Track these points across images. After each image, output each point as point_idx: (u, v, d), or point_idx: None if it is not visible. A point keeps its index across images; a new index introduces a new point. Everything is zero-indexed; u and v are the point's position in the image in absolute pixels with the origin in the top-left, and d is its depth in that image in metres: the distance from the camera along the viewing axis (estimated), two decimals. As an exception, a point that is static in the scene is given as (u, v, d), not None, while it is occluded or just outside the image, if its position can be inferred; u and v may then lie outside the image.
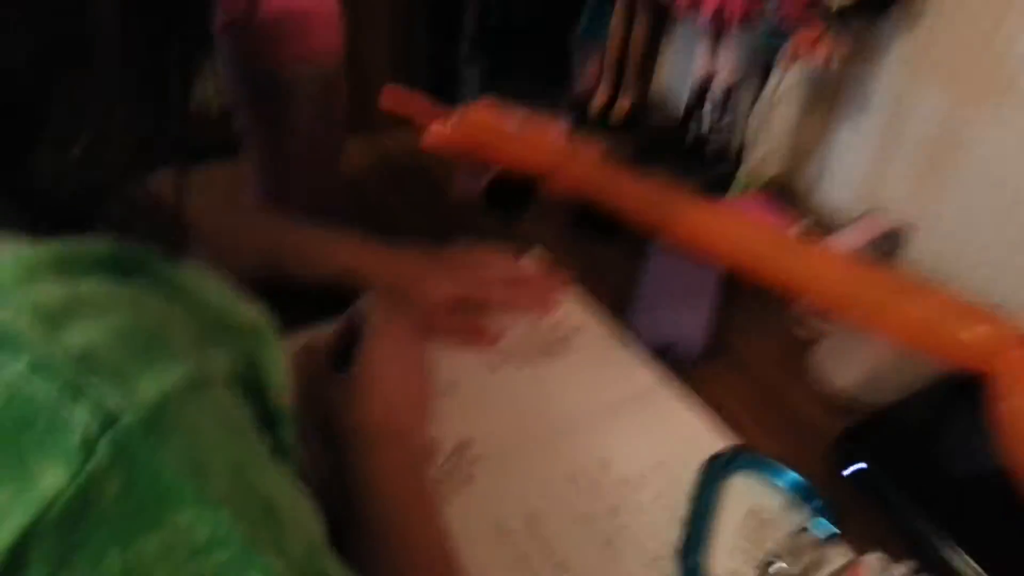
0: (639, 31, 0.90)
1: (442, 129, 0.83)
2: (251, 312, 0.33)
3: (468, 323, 0.61)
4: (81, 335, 0.25)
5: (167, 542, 0.24)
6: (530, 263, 0.71)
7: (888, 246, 0.70)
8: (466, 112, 0.82)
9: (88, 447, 0.24)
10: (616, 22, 0.90)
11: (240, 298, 0.33)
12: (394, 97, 0.85)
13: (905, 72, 0.76)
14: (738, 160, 0.82)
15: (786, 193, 0.86)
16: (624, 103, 0.94)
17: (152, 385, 0.25)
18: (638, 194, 0.73)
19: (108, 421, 0.24)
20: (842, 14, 0.70)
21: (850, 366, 0.64)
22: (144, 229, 0.38)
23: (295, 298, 0.60)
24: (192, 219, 0.42)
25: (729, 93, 0.86)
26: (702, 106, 0.88)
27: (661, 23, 0.98)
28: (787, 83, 0.76)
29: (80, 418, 0.24)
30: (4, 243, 0.28)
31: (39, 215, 0.29)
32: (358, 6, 1.65)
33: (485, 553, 0.48)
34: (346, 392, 0.50)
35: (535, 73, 1.55)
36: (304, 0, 0.61)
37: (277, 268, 0.61)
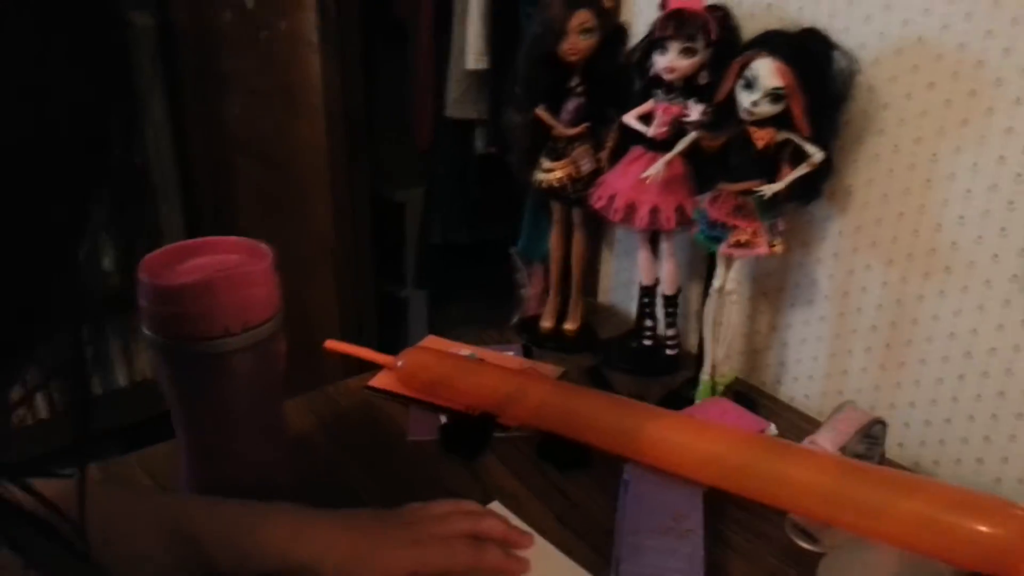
0: (578, 245, 0.90)
1: (389, 374, 0.80)
2: None
3: None
4: None
5: None
6: (499, 508, 0.65)
7: (870, 441, 0.66)
8: (410, 354, 0.79)
9: None
10: (555, 240, 0.91)
11: None
12: (337, 348, 0.83)
13: (847, 254, 0.76)
14: (698, 364, 0.79)
15: (752, 393, 0.83)
16: (574, 319, 0.92)
17: None
18: (598, 415, 0.70)
19: None
20: (773, 202, 0.70)
21: (862, 580, 0.58)
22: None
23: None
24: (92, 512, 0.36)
25: (676, 297, 0.85)
26: (652, 313, 0.87)
27: (598, 234, 1.00)
28: (732, 279, 0.75)
29: None
30: None
31: None
32: (303, 255, 1.68)
33: None
34: None
35: (480, 292, 1.57)
36: (237, 259, 0.59)
37: (198, 563, 0.52)
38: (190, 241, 0.59)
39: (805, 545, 0.63)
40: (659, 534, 0.59)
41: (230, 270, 0.56)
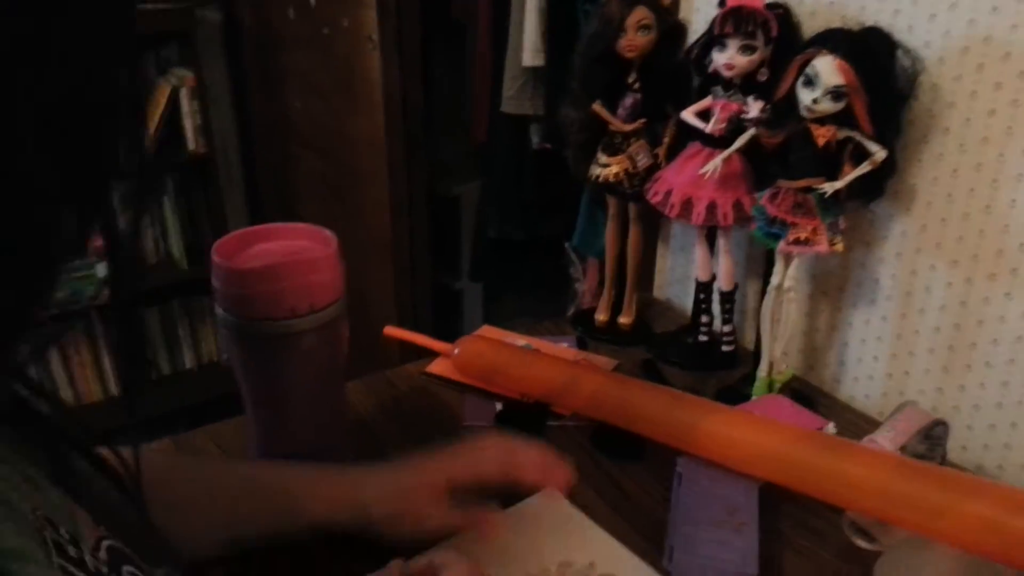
0: (634, 240, 0.90)
1: (445, 361, 0.82)
2: None
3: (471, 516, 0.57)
4: None
5: None
6: (552, 493, 0.66)
7: (931, 442, 0.65)
8: (467, 342, 0.81)
9: None
10: (610, 234, 0.91)
11: None
12: (395, 334, 0.85)
13: (910, 254, 0.75)
14: (755, 361, 0.79)
15: (810, 392, 0.83)
16: (628, 312, 0.93)
17: None
18: (653, 407, 0.70)
19: None
20: (834, 200, 0.69)
21: (920, 582, 0.57)
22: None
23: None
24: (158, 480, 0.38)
25: (733, 293, 0.84)
26: (708, 308, 0.87)
27: (655, 229, 1.00)
28: (791, 276, 0.74)
29: None
30: None
31: None
32: (362, 246, 1.71)
33: None
34: None
35: (535, 286, 1.58)
36: (304, 245, 0.61)
37: (262, 518, 0.55)
38: (261, 227, 0.61)
39: (862, 543, 0.62)
40: (713, 526, 0.60)
41: (298, 255, 0.58)
